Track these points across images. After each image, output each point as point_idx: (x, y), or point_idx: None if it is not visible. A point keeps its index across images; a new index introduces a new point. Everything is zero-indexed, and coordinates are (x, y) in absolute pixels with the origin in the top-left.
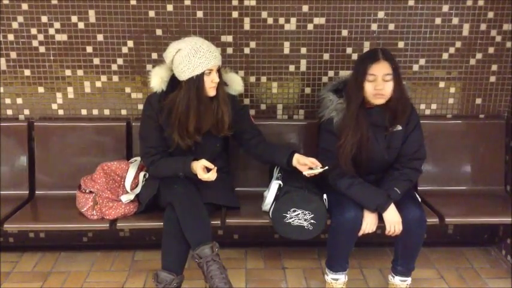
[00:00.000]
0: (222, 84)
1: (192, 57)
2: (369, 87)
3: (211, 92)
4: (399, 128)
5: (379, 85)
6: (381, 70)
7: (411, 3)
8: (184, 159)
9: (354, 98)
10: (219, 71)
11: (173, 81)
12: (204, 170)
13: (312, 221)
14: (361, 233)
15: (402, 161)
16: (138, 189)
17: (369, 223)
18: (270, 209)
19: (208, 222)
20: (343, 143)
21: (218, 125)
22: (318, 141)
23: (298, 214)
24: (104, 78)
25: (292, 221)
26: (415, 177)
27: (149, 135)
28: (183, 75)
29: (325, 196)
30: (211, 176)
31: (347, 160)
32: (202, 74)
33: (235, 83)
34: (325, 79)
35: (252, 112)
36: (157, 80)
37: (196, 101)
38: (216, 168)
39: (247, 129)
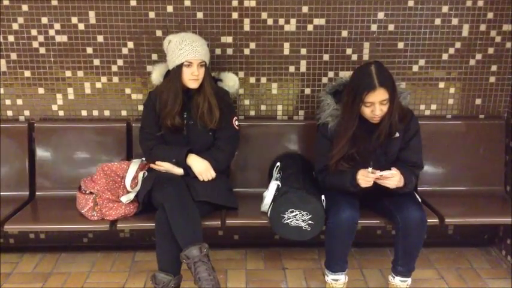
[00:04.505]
0: (208, 80)
1: (175, 48)
2: (366, 111)
3: (191, 84)
4: (397, 135)
5: (376, 110)
6: (378, 97)
7: (411, 3)
8: (180, 148)
9: (349, 122)
10: (205, 67)
11: (168, 75)
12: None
13: (310, 221)
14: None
15: (403, 167)
16: (137, 188)
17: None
18: (268, 209)
19: (198, 222)
20: (336, 152)
21: (204, 118)
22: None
23: (296, 215)
24: (104, 79)
25: (290, 221)
26: (415, 182)
27: (147, 123)
28: (170, 64)
29: (323, 197)
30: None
31: (338, 163)
32: (182, 64)
33: (229, 78)
34: (325, 80)
35: (252, 113)
36: (156, 74)
37: (175, 90)
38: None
39: (222, 129)
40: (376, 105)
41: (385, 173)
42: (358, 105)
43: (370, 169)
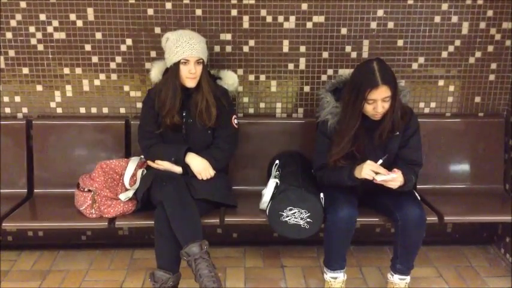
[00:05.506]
0: (205, 78)
1: (172, 46)
2: (368, 108)
3: (188, 82)
4: (396, 133)
5: (378, 107)
6: (380, 95)
7: (410, 1)
8: (179, 146)
9: (351, 120)
10: (203, 64)
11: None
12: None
13: (308, 219)
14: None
15: (402, 165)
16: (136, 186)
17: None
18: (266, 207)
19: (198, 220)
20: (337, 151)
21: (202, 116)
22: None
23: (295, 213)
24: (102, 76)
25: (289, 219)
26: (414, 180)
27: (146, 121)
28: (168, 62)
29: (322, 195)
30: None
31: (337, 160)
32: (179, 62)
33: (228, 76)
34: (324, 77)
35: (251, 110)
36: (155, 71)
37: (173, 88)
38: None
39: (221, 127)
40: (378, 102)
41: (388, 177)
42: (361, 102)
43: (380, 161)
